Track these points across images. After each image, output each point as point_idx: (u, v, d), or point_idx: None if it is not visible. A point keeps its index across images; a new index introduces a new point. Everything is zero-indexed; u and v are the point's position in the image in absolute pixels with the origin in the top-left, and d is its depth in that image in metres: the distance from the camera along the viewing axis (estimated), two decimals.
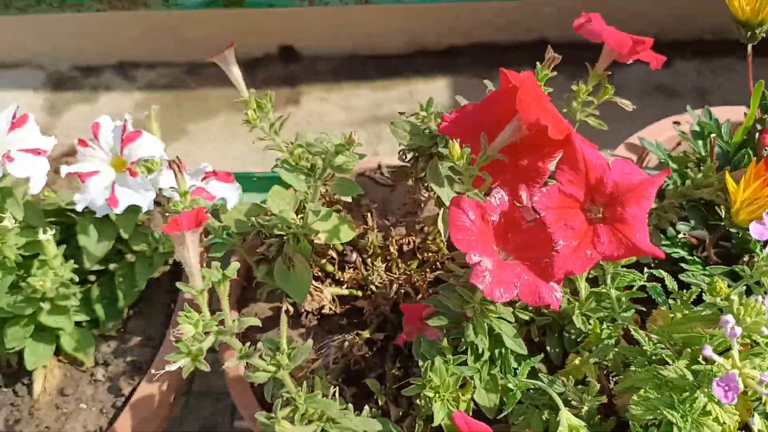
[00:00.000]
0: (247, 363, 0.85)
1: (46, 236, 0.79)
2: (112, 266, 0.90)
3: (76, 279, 0.84)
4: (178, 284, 0.61)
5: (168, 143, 1.10)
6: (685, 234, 0.83)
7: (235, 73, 0.82)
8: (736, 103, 1.00)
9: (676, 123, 1.02)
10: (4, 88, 2.26)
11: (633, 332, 0.66)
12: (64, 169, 0.82)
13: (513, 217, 0.62)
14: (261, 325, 0.67)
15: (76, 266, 0.85)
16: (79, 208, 0.82)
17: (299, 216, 0.81)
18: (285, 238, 0.80)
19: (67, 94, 2.33)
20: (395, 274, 0.91)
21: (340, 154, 0.68)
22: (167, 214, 0.87)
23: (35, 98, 2.30)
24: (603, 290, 0.71)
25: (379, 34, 2.35)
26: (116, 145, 0.81)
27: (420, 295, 0.91)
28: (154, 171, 0.83)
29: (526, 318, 0.73)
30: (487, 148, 0.62)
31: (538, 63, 0.75)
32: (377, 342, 0.90)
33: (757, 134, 0.87)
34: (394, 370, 0.86)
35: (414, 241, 0.96)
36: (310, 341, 0.68)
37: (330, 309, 0.92)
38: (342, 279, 0.94)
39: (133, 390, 0.89)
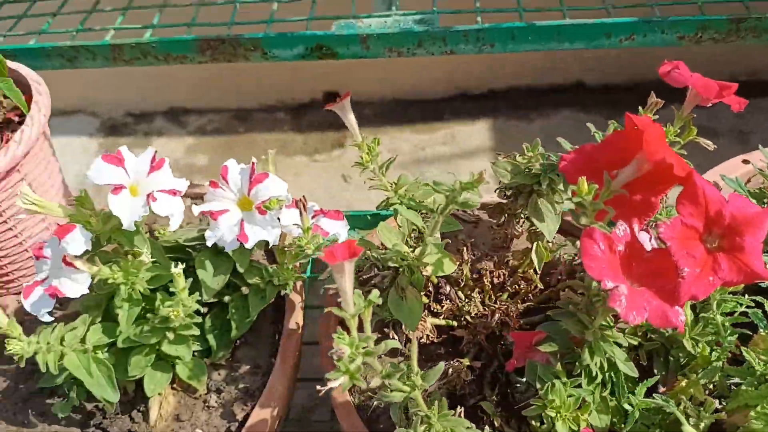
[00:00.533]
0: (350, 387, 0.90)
1: (178, 270, 0.85)
2: (226, 298, 0.96)
3: (202, 310, 0.90)
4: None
5: None
6: None
7: (351, 120, 0.89)
8: None
9: (746, 161, 1.09)
10: (64, 133, 2.35)
11: (745, 354, 0.71)
12: (196, 208, 0.88)
13: (635, 248, 0.68)
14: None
15: (199, 298, 0.91)
16: (209, 243, 0.88)
17: (411, 249, 0.87)
18: (400, 270, 0.86)
19: (120, 140, 2.41)
20: (493, 305, 0.97)
21: (465, 191, 0.74)
22: (287, 250, 0.94)
23: (90, 143, 2.39)
24: (710, 315, 0.76)
25: (422, 79, 2.42)
26: (243, 185, 0.88)
27: (512, 325, 0.97)
28: (272, 209, 0.89)
29: (635, 343, 0.78)
30: (610, 184, 0.69)
31: (640, 107, 0.82)
32: (475, 369, 0.95)
33: None
34: (493, 396, 0.92)
35: (504, 274, 1.02)
36: (441, 364, 0.73)
37: (428, 338, 0.98)
38: (437, 310, 0.99)
39: (247, 415, 0.94)
